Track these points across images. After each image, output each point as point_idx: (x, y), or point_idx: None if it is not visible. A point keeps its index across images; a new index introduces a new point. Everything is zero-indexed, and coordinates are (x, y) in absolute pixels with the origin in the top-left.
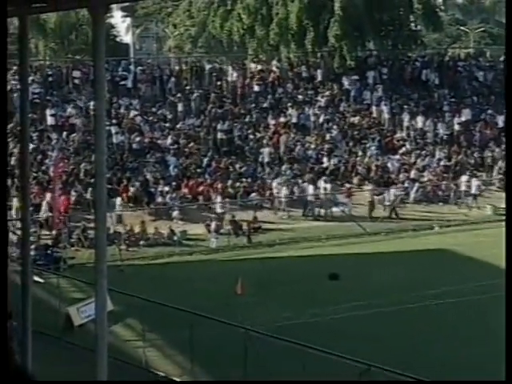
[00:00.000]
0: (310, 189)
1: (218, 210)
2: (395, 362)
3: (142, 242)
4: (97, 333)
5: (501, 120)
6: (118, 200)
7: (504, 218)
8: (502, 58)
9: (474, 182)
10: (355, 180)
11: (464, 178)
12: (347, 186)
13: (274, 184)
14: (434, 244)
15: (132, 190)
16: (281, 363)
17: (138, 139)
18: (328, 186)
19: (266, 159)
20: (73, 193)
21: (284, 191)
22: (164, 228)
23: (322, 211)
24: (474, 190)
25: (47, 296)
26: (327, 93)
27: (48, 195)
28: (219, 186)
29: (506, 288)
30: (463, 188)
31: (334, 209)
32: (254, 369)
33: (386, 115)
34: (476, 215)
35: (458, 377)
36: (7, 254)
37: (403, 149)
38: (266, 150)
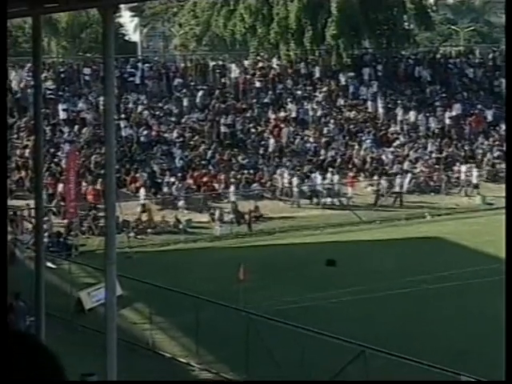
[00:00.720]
0: (317, 179)
1: (222, 200)
2: (389, 344)
3: (149, 230)
4: (106, 316)
5: (489, 114)
6: (142, 191)
7: (492, 206)
8: (490, 56)
9: (475, 172)
10: (351, 171)
11: (464, 168)
12: (350, 174)
13: (276, 175)
14: (426, 232)
15: (140, 180)
16: (281, 345)
17: (145, 133)
18: (335, 177)
19: (271, 149)
20: (83, 183)
21: (285, 181)
22: (170, 217)
23: (323, 200)
24: (474, 180)
25: (59, 281)
26: (325, 89)
27: (60, 186)
28: (222, 176)
29: (506, 288)
30: (463, 177)
31: (331, 199)
32: (256, 350)
33: (380, 110)
34: (466, 204)
35: (446, 356)
36: (6, 253)
37: (397, 142)
38: (272, 141)
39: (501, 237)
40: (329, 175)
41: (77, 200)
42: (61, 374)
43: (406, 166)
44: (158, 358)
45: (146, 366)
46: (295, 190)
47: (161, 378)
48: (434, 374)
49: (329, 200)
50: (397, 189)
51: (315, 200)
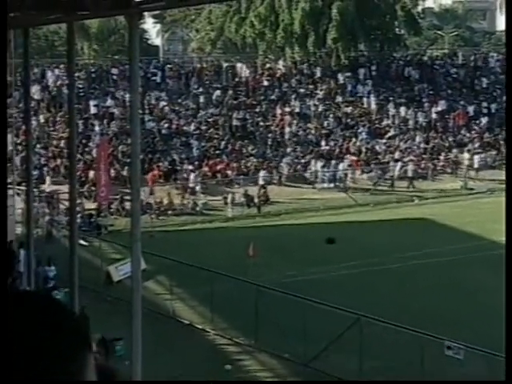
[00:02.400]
0: (317, 166)
1: (234, 185)
2: (382, 313)
3: (169, 212)
4: (132, 287)
5: (471, 109)
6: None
7: (472, 191)
8: (472, 58)
9: (476, 158)
10: (348, 160)
11: (467, 156)
12: (353, 158)
13: (281, 163)
14: (414, 214)
15: (161, 168)
16: (285, 313)
17: (166, 126)
18: (333, 164)
19: (277, 140)
20: (112, 170)
21: (289, 168)
22: (188, 200)
23: (323, 185)
24: (476, 165)
25: (91, 256)
26: (325, 87)
27: (91, 173)
28: (234, 164)
29: (506, 288)
30: (466, 163)
31: (330, 184)
32: (264, 318)
33: (374, 106)
34: (449, 190)
35: (432, 323)
36: (6, 251)
37: (389, 134)
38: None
39: (480, 218)
40: (327, 163)
41: (106, 185)
42: (85, 335)
43: (396, 155)
44: (178, 325)
45: (167, 332)
46: (298, 176)
47: (180, 341)
48: (421, 339)
49: (328, 185)
50: (388, 175)
51: (317, 185)
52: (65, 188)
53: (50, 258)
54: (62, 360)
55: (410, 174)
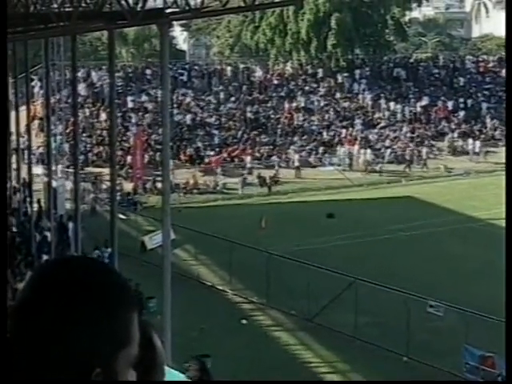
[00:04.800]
0: (319, 152)
1: (249, 168)
2: (374, 276)
3: (194, 191)
4: (163, 254)
5: (450, 104)
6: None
7: (451, 173)
8: (451, 60)
9: (477, 144)
10: (345, 147)
11: (470, 141)
12: (350, 145)
13: (289, 150)
14: (401, 193)
15: (188, 153)
16: (292, 277)
17: (191, 118)
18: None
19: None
20: (146, 156)
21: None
22: (210, 181)
23: (326, 168)
24: (476, 149)
25: (128, 228)
26: (326, 85)
27: (129, 157)
28: (249, 151)
29: (506, 288)
30: (470, 147)
31: (331, 167)
32: (274, 281)
33: (368, 101)
34: (431, 172)
35: (417, 285)
36: (7, 248)
37: (380, 124)
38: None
39: (457, 196)
40: (328, 149)
41: (141, 168)
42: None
43: (387, 143)
44: (201, 286)
45: (192, 292)
46: (304, 160)
47: (203, 300)
48: (407, 299)
49: (328, 168)
50: (379, 160)
51: (319, 168)
52: (106, 170)
53: (107, 240)
54: (111, 315)
55: (399, 158)
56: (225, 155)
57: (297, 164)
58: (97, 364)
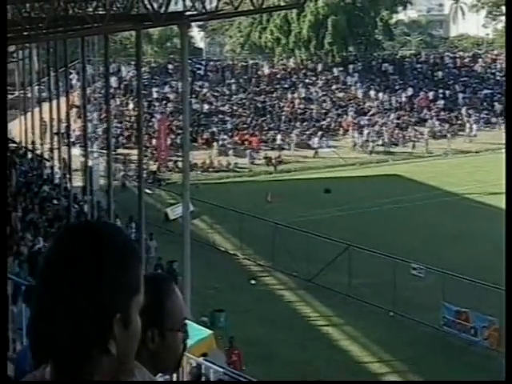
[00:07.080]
0: (318, 136)
1: (257, 150)
2: (365, 243)
3: (210, 170)
4: (183, 224)
5: (431, 95)
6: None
7: (432, 154)
8: (432, 57)
9: (474, 126)
10: (340, 131)
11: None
12: (343, 130)
13: (291, 134)
14: (388, 171)
15: (204, 137)
16: (294, 244)
17: (207, 107)
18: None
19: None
20: (168, 139)
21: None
22: (224, 161)
23: (323, 150)
24: (474, 132)
25: (153, 201)
26: (323, 78)
27: (154, 141)
28: (257, 135)
29: (506, 287)
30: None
31: (328, 149)
32: (279, 247)
33: (360, 92)
34: (415, 153)
35: (402, 251)
36: (6, 247)
37: (370, 112)
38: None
39: (437, 174)
40: (325, 134)
41: (165, 150)
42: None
43: (376, 128)
44: (216, 251)
45: (208, 256)
46: (304, 143)
47: (218, 263)
48: (394, 262)
49: (325, 150)
50: (370, 143)
51: (318, 150)
52: (134, 152)
53: (152, 233)
54: (126, 269)
55: (386, 141)
56: (236, 138)
57: (298, 146)
58: (117, 310)
